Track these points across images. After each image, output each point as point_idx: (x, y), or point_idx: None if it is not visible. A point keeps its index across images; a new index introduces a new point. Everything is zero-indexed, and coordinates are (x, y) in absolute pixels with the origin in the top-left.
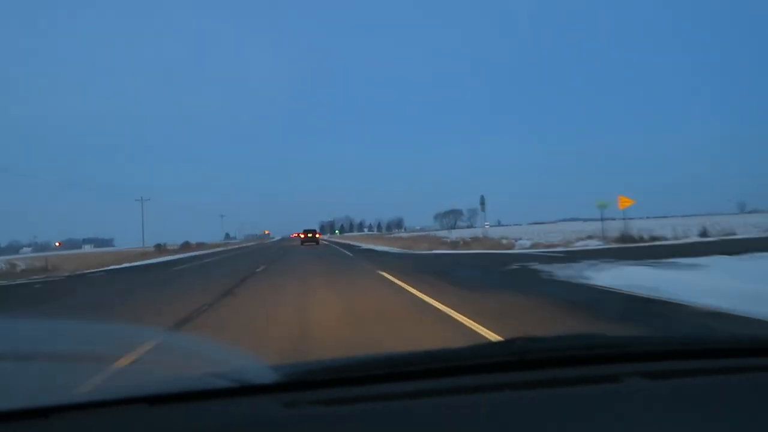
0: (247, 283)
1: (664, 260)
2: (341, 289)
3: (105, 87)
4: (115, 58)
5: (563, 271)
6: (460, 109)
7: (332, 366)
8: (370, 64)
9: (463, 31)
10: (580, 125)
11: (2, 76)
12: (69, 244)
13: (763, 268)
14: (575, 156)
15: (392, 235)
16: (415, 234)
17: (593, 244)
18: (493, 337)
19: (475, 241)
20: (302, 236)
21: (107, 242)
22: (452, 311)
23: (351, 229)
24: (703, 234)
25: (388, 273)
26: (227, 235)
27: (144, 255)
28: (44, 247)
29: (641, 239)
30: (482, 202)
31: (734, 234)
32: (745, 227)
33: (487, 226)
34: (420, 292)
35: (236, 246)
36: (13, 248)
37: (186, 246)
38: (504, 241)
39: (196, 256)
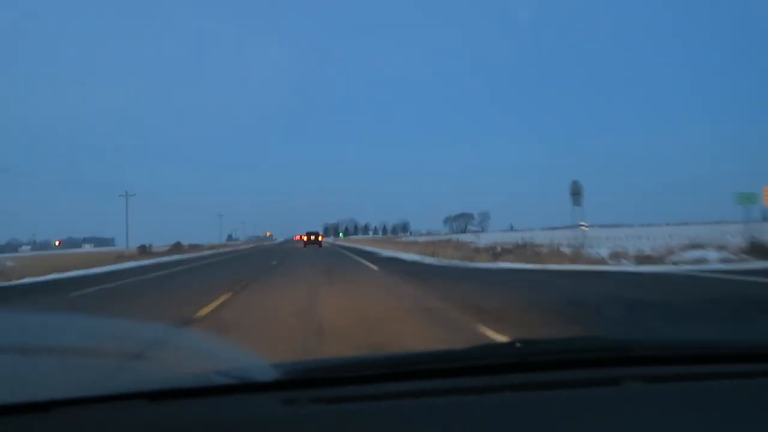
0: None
1: None
2: None
3: (105, 86)
4: (115, 57)
5: None
6: (461, 109)
7: (333, 365)
8: (370, 64)
9: (463, 31)
10: (580, 125)
11: (2, 76)
12: (69, 243)
13: None
14: (579, 157)
15: (403, 239)
16: (429, 238)
17: (713, 257)
18: None
19: (518, 248)
20: (304, 239)
21: (108, 241)
22: None
23: (356, 232)
24: None
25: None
26: (230, 236)
27: (120, 258)
28: (44, 246)
29: None
30: (576, 192)
31: None
32: None
33: (584, 228)
34: None
35: (230, 249)
36: (12, 246)
37: (177, 248)
38: (566, 250)
39: (173, 262)
